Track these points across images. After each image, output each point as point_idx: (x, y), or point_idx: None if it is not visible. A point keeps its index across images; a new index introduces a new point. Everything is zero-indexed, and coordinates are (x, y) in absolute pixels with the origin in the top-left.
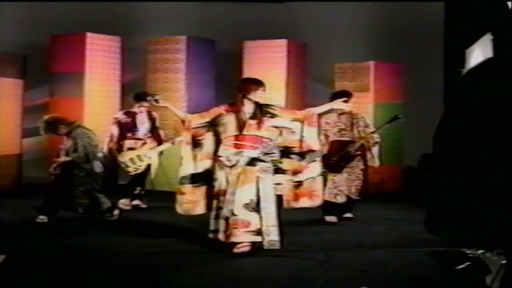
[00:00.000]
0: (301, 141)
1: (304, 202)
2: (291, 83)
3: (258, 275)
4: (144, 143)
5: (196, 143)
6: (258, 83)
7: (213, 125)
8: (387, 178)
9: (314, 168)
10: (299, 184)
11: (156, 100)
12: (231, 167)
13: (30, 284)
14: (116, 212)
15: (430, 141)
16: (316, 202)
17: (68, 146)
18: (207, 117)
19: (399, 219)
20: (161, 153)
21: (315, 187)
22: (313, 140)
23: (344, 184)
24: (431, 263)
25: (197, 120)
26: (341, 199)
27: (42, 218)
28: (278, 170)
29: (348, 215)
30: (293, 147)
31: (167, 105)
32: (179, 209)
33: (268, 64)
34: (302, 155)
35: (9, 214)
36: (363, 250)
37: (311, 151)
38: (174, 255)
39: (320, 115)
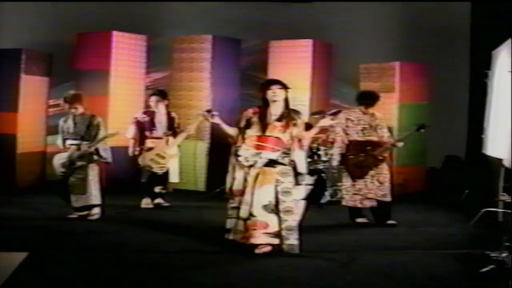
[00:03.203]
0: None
1: None
2: (316, 83)
3: (280, 275)
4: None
5: None
6: (270, 82)
7: (246, 129)
8: (410, 179)
9: (298, 193)
10: None
11: (212, 115)
12: (249, 167)
13: (52, 282)
14: (95, 210)
15: (454, 142)
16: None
17: (78, 129)
18: (241, 126)
19: (422, 220)
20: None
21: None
22: (301, 164)
23: (371, 188)
24: (455, 265)
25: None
26: (369, 203)
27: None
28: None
29: (391, 221)
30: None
31: (219, 122)
32: None
33: (294, 64)
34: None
35: (32, 211)
36: (386, 251)
37: (298, 174)
38: (195, 253)
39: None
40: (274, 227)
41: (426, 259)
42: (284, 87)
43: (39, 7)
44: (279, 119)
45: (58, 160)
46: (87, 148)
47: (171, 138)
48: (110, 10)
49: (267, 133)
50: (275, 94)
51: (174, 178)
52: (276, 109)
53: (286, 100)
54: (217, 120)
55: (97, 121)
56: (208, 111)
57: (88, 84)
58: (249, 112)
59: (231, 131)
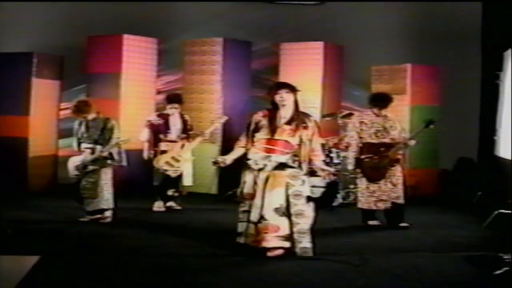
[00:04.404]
0: None
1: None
2: (327, 85)
3: (293, 278)
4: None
5: None
6: (277, 87)
7: (255, 132)
8: (422, 181)
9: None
10: None
11: (222, 163)
12: (259, 170)
13: (64, 286)
14: (107, 214)
15: (466, 144)
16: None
17: (92, 133)
18: (251, 129)
19: (435, 222)
20: None
21: None
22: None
23: (385, 190)
24: (468, 268)
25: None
26: (383, 205)
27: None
28: (314, 173)
29: (404, 224)
30: None
31: (231, 160)
32: None
33: (305, 66)
34: None
35: (44, 214)
36: (399, 254)
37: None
38: (207, 257)
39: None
40: (285, 230)
41: (439, 261)
42: (292, 90)
43: (50, 10)
44: (288, 122)
45: (73, 163)
46: (100, 152)
47: (186, 142)
48: (121, 13)
49: (276, 136)
50: (283, 99)
51: (187, 181)
52: (285, 112)
53: (296, 103)
54: (228, 162)
55: (111, 125)
56: (215, 162)
57: (99, 87)
58: (259, 115)
59: (240, 152)
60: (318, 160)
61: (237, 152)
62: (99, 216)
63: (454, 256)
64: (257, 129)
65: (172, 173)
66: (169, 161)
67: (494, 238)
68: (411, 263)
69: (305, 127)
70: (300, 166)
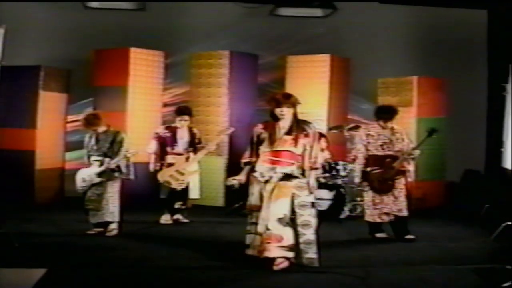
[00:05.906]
0: None
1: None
2: (334, 98)
3: None
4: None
5: None
6: (281, 100)
7: (258, 145)
8: (429, 194)
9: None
10: None
11: (237, 184)
12: (265, 182)
13: None
14: (113, 226)
15: (472, 156)
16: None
17: (101, 146)
18: (254, 143)
19: (442, 235)
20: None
21: None
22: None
23: (387, 203)
24: (475, 280)
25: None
26: (387, 218)
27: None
28: (321, 186)
29: (409, 236)
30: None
31: (244, 178)
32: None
33: (311, 79)
34: None
35: (50, 227)
36: (405, 266)
37: None
38: (215, 269)
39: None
40: (289, 240)
41: (446, 274)
42: (293, 105)
43: (57, 23)
44: (288, 132)
45: (80, 175)
46: (108, 164)
47: (191, 155)
48: (128, 27)
49: (279, 148)
50: (283, 113)
51: (194, 194)
52: (285, 122)
53: (294, 114)
54: (244, 180)
55: (120, 137)
56: (231, 186)
57: (106, 100)
58: (259, 127)
59: (249, 167)
60: (313, 171)
61: (247, 167)
62: (103, 229)
63: (462, 269)
64: (259, 141)
65: (176, 186)
66: (173, 175)
67: (501, 251)
68: (418, 276)
69: (306, 135)
70: (304, 175)
